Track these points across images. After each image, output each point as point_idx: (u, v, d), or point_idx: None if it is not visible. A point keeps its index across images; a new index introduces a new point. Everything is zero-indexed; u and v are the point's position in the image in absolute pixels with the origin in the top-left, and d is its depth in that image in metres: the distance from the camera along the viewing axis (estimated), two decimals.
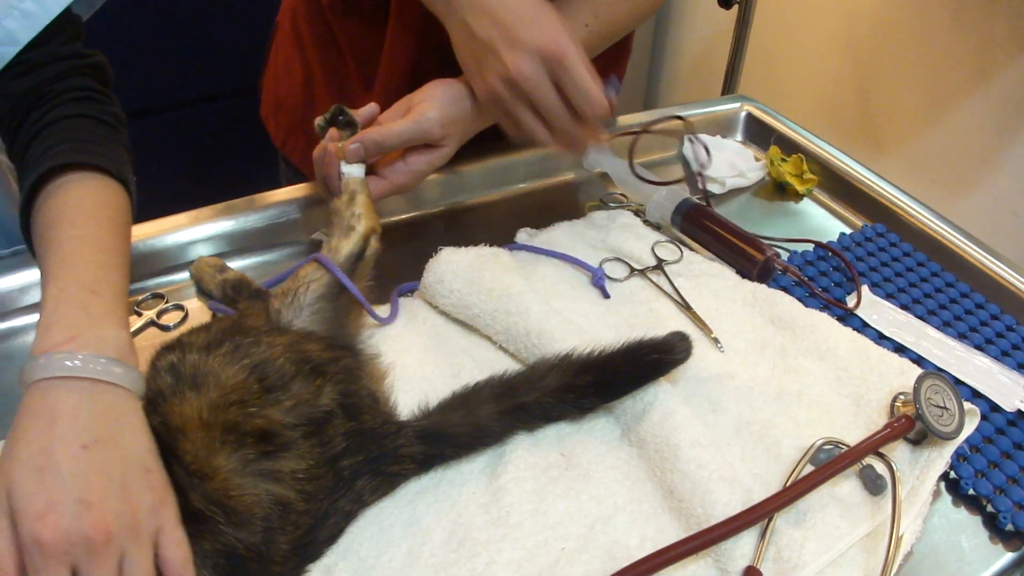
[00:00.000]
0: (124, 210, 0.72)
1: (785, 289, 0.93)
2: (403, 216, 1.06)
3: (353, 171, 0.87)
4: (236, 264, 0.94)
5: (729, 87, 2.13)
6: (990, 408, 0.82)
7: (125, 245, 0.70)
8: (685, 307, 0.90)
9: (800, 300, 0.91)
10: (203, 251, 0.95)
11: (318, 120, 0.90)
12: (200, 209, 0.97)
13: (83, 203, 0.69)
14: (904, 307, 0.94)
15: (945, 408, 0.75)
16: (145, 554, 0.55)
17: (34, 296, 0.88)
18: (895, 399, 0.78)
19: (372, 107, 0.92)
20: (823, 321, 0.87)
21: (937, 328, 0.90)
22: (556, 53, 0.80)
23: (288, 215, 1.00)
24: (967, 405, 0.77)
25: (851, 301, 0.93)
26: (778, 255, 0.95)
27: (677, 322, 0.88)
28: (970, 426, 0.76)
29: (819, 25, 2.04)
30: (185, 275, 0.93)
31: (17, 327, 0.86)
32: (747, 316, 0.89)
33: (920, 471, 0.73)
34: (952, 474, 0.75)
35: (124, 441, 0.57)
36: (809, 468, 0.71)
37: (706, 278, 0.94)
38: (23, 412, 0.56)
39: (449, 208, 1.08)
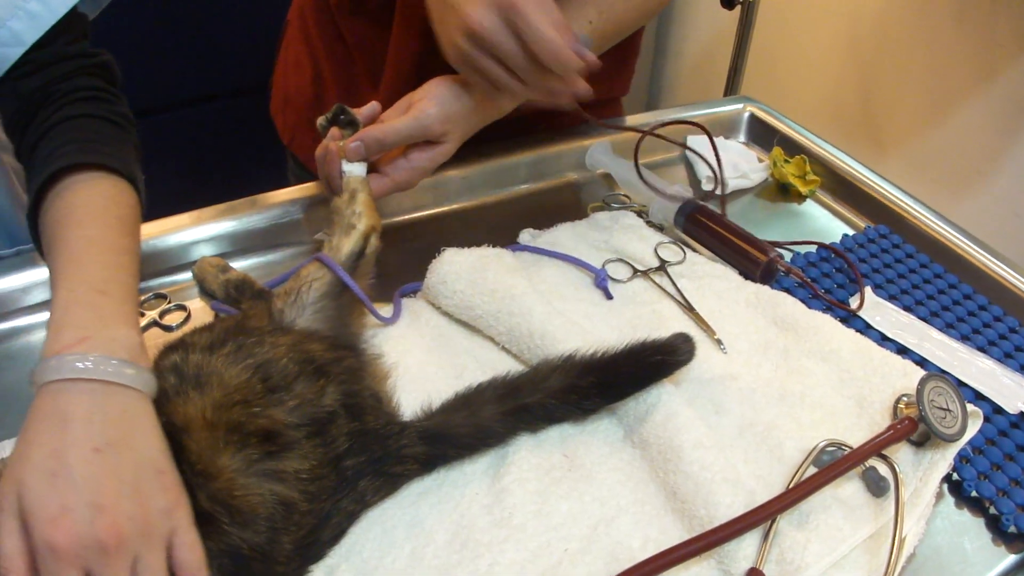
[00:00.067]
0: (133, 209, 0.72)
1: (788, 291, 0.93)
2: (406, 217, 1.06)
3: (354, 169, 0.87)
4: (239, 264, 0.94)
5: (731, 88, 2.13)
6: (993, 410, 0.82)
7: (134, 245, 0.69)
8: (688, 308, 0.90)
9: (803, 302, 0.91)
10: (206, 251, 0.95)
11: (320, 119, 0.90)
12: (202, 209, 0.97)
13: (91, 203, 0.68)
14: (907, 309, 0.93)
15: (948, 410, 0.74)
16: (158, 557, 0.55)
17: (37, 296, 0.88)
18: (898, 401, 0.78)
19: (374, 106, 0.92)
20: (826, 323, 0.87)
21: (940, 330, 0.90)
22: (508, 1, 0.79)
23: (291, 215, 1.00)
24: (970, 407, 0.76)
25: (854, 303, 0.93)
26: (781, 256, 0.95)
27: (680, 323, 0.88)
28: (973, 428, 0.76)
29: (821, 26, 2.04)
30: (187, 275, 0.93)
31: (20, 327, 0.86)
32: (750, 317, 0.89)
33: (923, 473, 0.73)
34: (955, 476, 0.75)
35: (136, 443, 0.57)
36: (812, 470, 0.71)
37: (709, 279, 0.94)
38: (34, 414, 0.56)
39: (452, 209, 1.08)
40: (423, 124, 0.87)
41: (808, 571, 0.64)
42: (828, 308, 0.92)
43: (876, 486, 0.71)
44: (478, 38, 0.81)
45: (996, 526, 0.72)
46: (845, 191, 1.15)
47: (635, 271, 0.95)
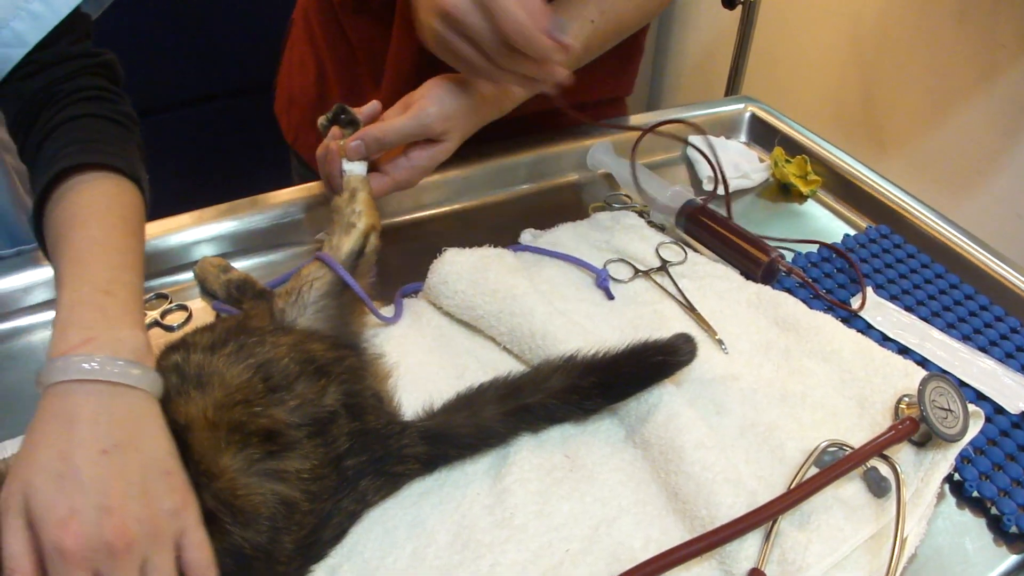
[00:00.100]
0: (137, 209, 0.72)
1: (789, 291, 0.93)
2: (407, 217, 1.06)
3: (355, 169, 0.87)
4: (240, 265, 0.94)
5: (732, 88, 2.13)
6: (994, 410, 0.82)
7: (139, 245, 0.69)
8: (689, 309, 0.90)
9: (804, 302, 0.90)
10: (207, 251, 0.95)
11: (321, 119, 0.90)
12: (204, 209, 0.97)
13: (96, 204, 0.68)
14: (908, 309, 0.93)
15: (949, 410, 0.74)
16: (167, 558, 0.55)
17: (38, 296, 0.88)
18: (899, 401, 0.78)
19: (374, 105, 0.92)
20: (827, 323, 0.87)
21: (941, 330, 0.90)
22: None
23: (292, 215, 1.00)
24: (971, 407, 0.76)
25: (855, 303, 0.93)
26: (782, 257, 0.95)
27: (681, 324, 0.88)
28: (974, 428, 0.76)
29: (823, 26, 2.04)
30: (189, 275, 0.93)
31: (21, 327, 0.86)
32: (751, 318, 0.89)
33: (924, 473, 0.73)
34: (956, 476, 0.75)
35: (143, 445, 0.57)
36: (813, 470, 0.71)
37: (710, 279, 0.94)
38: (41, 415, 0.56)
39: (453, 209, 1.08)
40: (423, 123, 0.88)
41: (809, 571, 0.64)
42: (829, 308, 0.92)
43: (877, 486, 0.71)
44: (451, 19, 0.80)
45: (997, 526, 0.72)
46: (846, 191, 1.15)
47: (636, 271, 0.95)
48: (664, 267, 0.95)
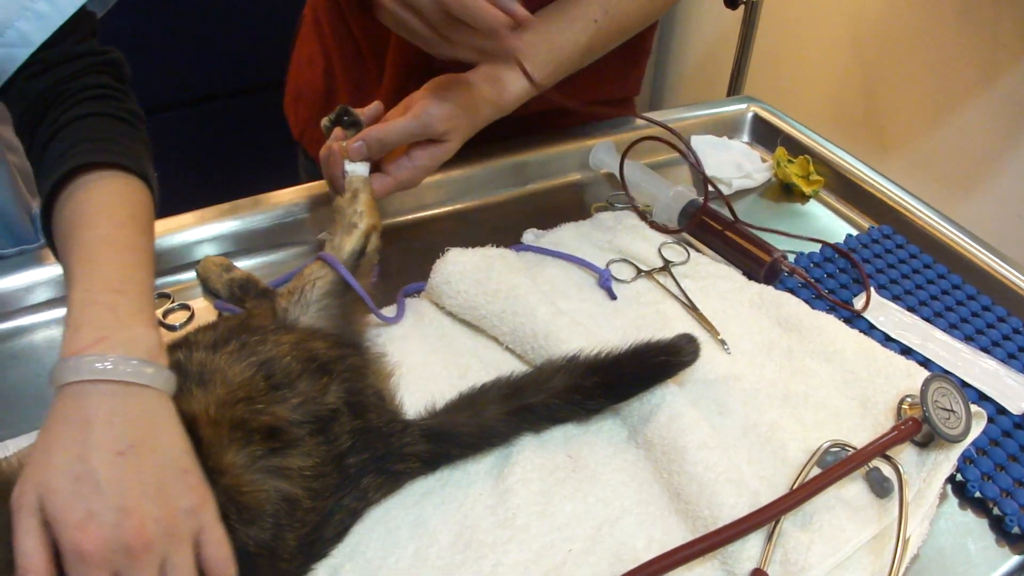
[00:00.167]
0: (146, 207, 0.71)
1: (792, 291, 0.93)
2: (409, 217, 1.06)
3: (357, 169, 0.87)
4: (242, 264, 0.94)
5: (734, 88, 2.12)
6: (997, 411, 0.82)
7: (149, 243, 0.69)
8: (692, 309, 0.90)
9: (807, 302, 0.90)
10: (209, 251, 0.95)
11: (324, 120, 0.91)
12: (206, 209, 0.98)
13: (105, 202, 0.68)
14: (911, 309, 0.93)
15: (952, 411, 0.74)
16: (186, 556, 0.55)
17: (40, 295, 0.88)
18: (902, 401, 0.77)
19: (377, 106, 0.92)
20: (830, 323, 0.87)
21: (944, 330, 0.90)
22: None
23: (294, 215, 1.00)
24: (974, 408, 0.76)
25: (858, 303, 0.93)
26: (785, 257, 0.95)
27: (684, 324, 0.88)
28: (977, 429, 0.76)
29: (825, 26, 2.04)
30: (190, 275, 0.93)
31: (24, 326, 0.86)
32: (754, 318, 0.89)
33: (927, 474, 0.73)
34: (959, 477, 0.75)
35: (159, 444, 0.57)
36: (816, 470, 0.71)
37: (713, 280, 0.94)
38: (55, 416, 0.56)
39: (455, 209, 1.08)
40: (425, 123, 0.87)
41: (812, 572, 0.64)
42: (832, 308, 0.92)
43: (880, 487, 0.71)
44: None
45: (1000, 527, 0.72)
46: (848, 191, 1.15)
47: (639, 271, 0.95)
48: (667, 267, 0.95)
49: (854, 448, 0.72)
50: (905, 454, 0.75)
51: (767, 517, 0.66)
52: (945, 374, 0.83)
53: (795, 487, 0.69)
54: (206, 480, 0.58)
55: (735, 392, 0.80)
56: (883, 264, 1.00)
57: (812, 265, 0.99)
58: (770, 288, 0.92)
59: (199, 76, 2.23)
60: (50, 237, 0.70)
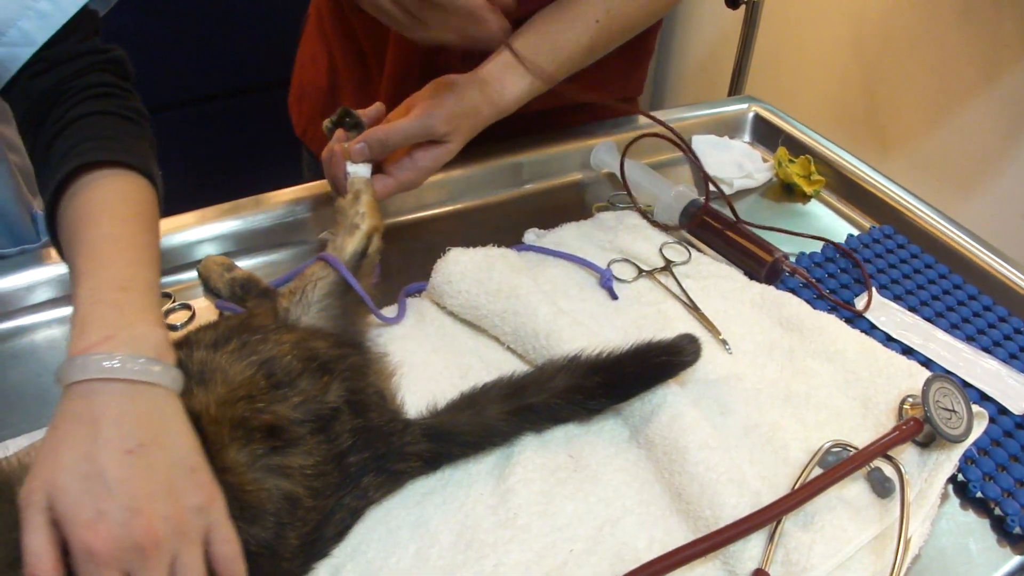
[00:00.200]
0: (151, 205, 0.71)
1: (793, 291, 0.93)
2: (411, 216, 1.06)
3: (359, 170, 0.87)
4: (243, 264, 0.94)
5: (736, 88, 2.12)
6: (998, 411, 0.82)
7: (154, 241, 0.69)
8: (693, 309, 0.90)
9: (808, 302, 0.90)
10: (210, 250, 0.95)
11: (326, 122, 0.91)
12: (207, 208, 0.98)
13: (110, 201, 0.68)
14: (912, 309, 0.93)
15: (953, 411, 0.74)
16: (196, 554, 0.55)
17: (41, 295, 0.88)
18: (903, 402, 0.77)
19: (379, 107, 0.92)
20: (831, 323, 0.87)
21: (945, 330, 0.90)
22: None
23: (295, 215, 1.00)
24: (975, 408, 0.76)
25: (859, 303, 0.93)
26: (786, 257, 0.95)
27: (685, 324, 0.88)
28: (978, 429, 0.76)
29: (826, 25, 2.03)
30: (191, 274, 0.93)
31: (24, 326, 0.86)
32: (755, 318, 0.89)
33: (928, 474, 0.73)
34: (960, 477, 0.75)
35: (168, 442, 0.57)
36: (817, 470, 0.71)
37: (714, 279, 0.94)
38: (63, 415, 0.56)
39: (456, 208, 1.08)
40: (426, 124, 0.87)
41: (814, 572, 0.64)
42: (833, 308, 0.92)
43: (881, 487, 0.71)
44: None
45: (1001, 527, 0.72)
46: (850, 191, 1.15)
47: (640, 271, 0.95)
48: (668, 267, 0.95)
49: (855, 448, 0.72)
50: (906, 454, 0.75)
51: (769, 517, 0.65)
52: (946, 374, 0.83)
53: (796, 487, 0.69)
54: (215, 478, 0.58)
55: (736, 392, 0.80)
56: (884, 264, 1.00)
57: (813, 265, 0.99)
58: (771, 288, 0.92)
59: (199, 76, 2.23)
60: (55, 235, 0.70)
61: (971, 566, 0.70)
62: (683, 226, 1.01)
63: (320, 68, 1.20)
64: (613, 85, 1.16)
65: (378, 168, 0.90)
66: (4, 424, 0.75)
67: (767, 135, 1.26)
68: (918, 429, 0.73)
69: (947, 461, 0.73)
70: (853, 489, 0.72)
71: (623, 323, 0.88)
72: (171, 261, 0.93)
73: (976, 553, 0.71)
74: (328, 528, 0.65)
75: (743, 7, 1.99)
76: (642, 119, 1.21)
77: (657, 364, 0.75)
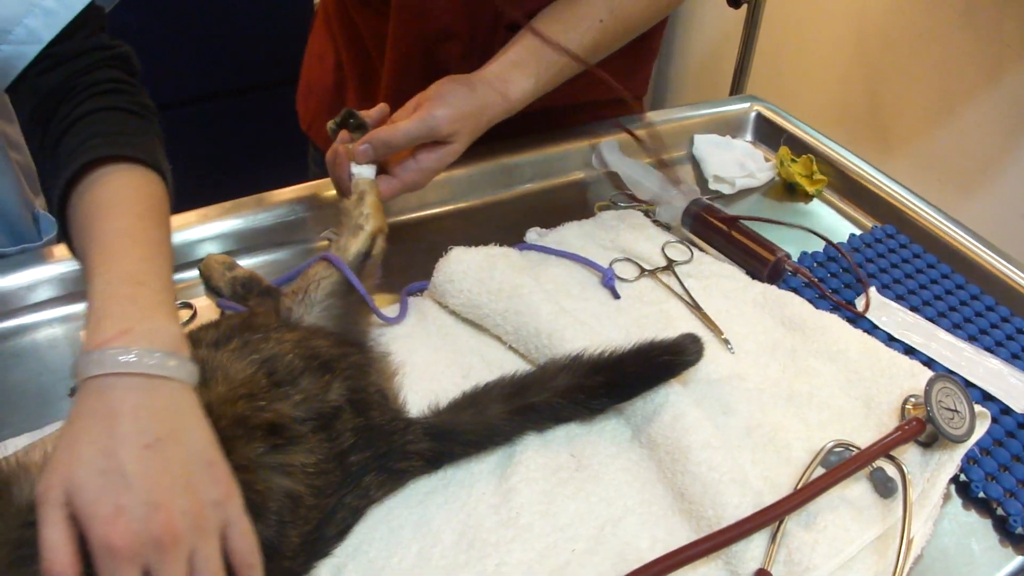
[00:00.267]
0: (162, 200, 0.71)
1: (795, 290, 0.93)
2: (413, 215, 1.06)
3: (363, 172, 0.87)
4: (245, 262, 0.94)
5: (737, 87, 2.12)
6: (1001, 411, 0.82)
7: (166, 235, 0.69)
8: (695, 308, 0.90)
9: (810, 302, 0.90)
10: (211, 249, 0.95)
11: (329, 123, 0.91)
12: (209, 207, 0.97)
13: (122, 196, 0.68)
14: (914, 309, 0.93)
15: (956, 411, 0.74)
16: (214, 549, 0.55)
17: (42, 294, 0.88)
18: (906, 401, 0.77)
19: (383, 108, 0.92)
20: (834, 323, 0.87)
21: (947, 330, 0.90)
22: None
23: (296, 214, 1.00)
24: (978, 408, 0.76)
25: (860, 303, 0.92)
26: (788, 256, 0.95)
27: (687, 323, 0.88)
28: (981, 429, 0.76)
29: (828, 25, 2.03)
30: (193, 273, 0.93)
31: (26, 324, 0.86)
32: (758, 317, 0.89)
33: (931, 474, 0.73)
34: (962, 477, 0.75)
35: (185, 437, 0.57)
36: (820, 470, 0.71)
37: (716, 279, 0.94)
38: (80, 409, 0.56)
39: (459, 208, 1.08)
40: (430, 125, 0.87)
41: (816, 572, 0.64)
42: (835, 308, 0.91)
43: (884, 487, 0.71)
44: None
45: (1003, 527, 0.72)
46: (852, 191, 1.15)
47: (642, 270, 0.95)
48: (670, 266, 0.95)
49: (858, 448, 0.72)
50: (909, 454, 0.75)
51: (771, 517, 0.65)
52: (949, 374, 0.83)
53: (799, 487, 0.69)
54: (232, 472, 0.58)
55: (739, 392, 0.80)
56: (886, 264, 1.00)
57: (815, 265, 0.99)
58: (774, 288, 0.92)
59: (200, 75, 2.22)
60: (66, 231, 0.70)
61: (973, 566, 0.69)
62: (685, 225, 1.01)
63: (327, 65, 1.20)
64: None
65: (382, 169, 0.90)
66: (4, 424, 0.75)
67: (769, 134, 1.26)
68: (920, 429, 0.73)
69: (949, 461, 0.73)
70: (855, 489, 0.72)
71: (625, 322, 0.88)
72: (173, 260, 0.93)
73: (978, 553, 0.70)
74: (330, 527, 0.65)
75: (745, 6, 1.99)
76: (646, 118, 1.21)
77: (659, 364, 0.75)
